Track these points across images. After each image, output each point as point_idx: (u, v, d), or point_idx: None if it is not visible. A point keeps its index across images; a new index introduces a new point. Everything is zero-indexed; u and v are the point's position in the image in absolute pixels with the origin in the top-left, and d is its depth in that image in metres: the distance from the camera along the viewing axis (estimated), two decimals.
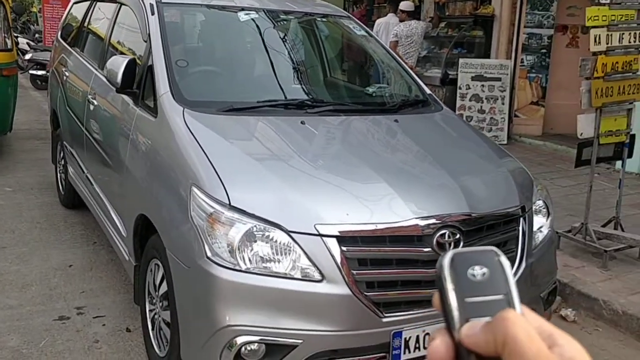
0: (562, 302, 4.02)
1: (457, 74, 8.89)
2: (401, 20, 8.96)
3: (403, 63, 4.15)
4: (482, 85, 8.70)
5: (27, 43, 14.11)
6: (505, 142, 8.70)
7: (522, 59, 8.90)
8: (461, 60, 8.87)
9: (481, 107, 8.73)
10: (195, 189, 2.57)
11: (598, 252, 4.41)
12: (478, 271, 0.55)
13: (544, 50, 8.90)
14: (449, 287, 0.55)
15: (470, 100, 8.77)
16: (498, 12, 9.02)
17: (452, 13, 10.21)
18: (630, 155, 4.64)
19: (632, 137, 4.58)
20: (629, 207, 5.80)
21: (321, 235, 2.42)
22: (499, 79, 8.69)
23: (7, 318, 3.52)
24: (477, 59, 9.03)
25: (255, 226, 2.43)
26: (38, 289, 3.90)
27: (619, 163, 5.41)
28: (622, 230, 4.63)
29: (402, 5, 8.89)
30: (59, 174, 5.64)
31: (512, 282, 0.55)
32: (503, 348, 0.49)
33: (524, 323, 0.50)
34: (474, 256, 0.56)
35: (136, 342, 3.33)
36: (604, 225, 4.70)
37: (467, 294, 0.54)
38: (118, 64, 3.28)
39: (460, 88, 8.81)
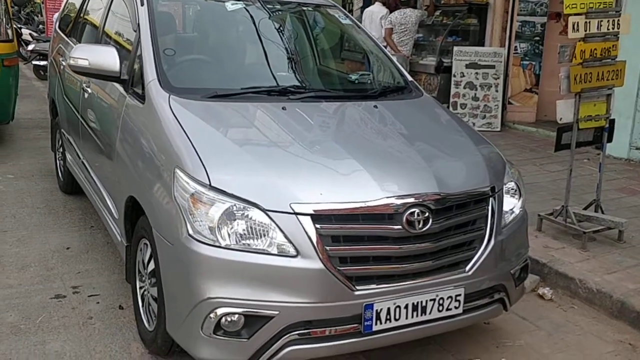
0: (540, 282, 4.17)
1: (451, 62, 9.00)
2: (397, 9, 9.11)
3: (387, 51, 4.28)
4: (476, 73, 8.81)
5: (30, 34, 14.28)
6: (498, 129, 8.83)
7: (515, 46, 9.00)
8: (455, 48, 8.97)
9: (475, 94, 8.84)
10: (178, 171, 2.72)
11: (578, 233, 4.54)
12: None
13: (537, 38, 9.01)
14: None
15: (464, 87, 8.89)
16: (492, 0, 9.10)
17: (447, 1, 10.28)
18: (610, 140, 4.76)
19: (612, 122, 4.70)
20: (615, 191, 5.94)
21: (296, 214, 2.56)
22: (492, 67, 8.80)
23: (6, 296, 3.69)
24: (472, 46, 9.13)
25: (234, 205, 2.58)
26: (36, 270, 4.08)
27: (609, 148, 5.52)
28: (602, 212, 4.75)
29: None
30: (57, 161, 5.81)
31: None
32: None
33: None
34: None
35: (128, 318, 3.50)
36: (585, 208, 4.82)
37: None
38: (108, 55, 3.43)
39: (454, 76, 8.93)
